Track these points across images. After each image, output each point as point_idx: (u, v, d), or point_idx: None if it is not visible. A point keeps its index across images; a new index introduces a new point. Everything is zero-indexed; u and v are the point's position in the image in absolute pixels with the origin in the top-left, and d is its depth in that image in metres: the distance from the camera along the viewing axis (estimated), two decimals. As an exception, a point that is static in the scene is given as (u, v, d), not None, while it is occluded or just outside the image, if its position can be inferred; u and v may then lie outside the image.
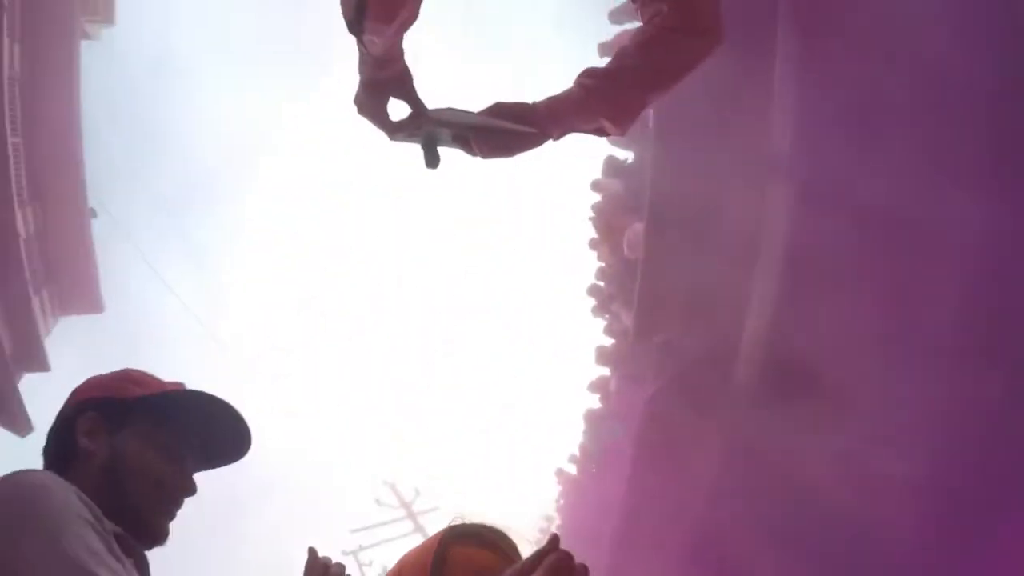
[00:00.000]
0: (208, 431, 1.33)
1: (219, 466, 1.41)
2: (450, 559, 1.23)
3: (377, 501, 17.28)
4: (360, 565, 15.83)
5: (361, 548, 16.26)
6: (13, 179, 10.11)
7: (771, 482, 6.31)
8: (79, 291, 14.78)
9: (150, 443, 1.24)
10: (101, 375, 1.36)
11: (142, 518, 1.20)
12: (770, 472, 6.24)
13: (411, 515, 16.89)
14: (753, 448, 6.29)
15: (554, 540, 0.99)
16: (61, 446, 1.25)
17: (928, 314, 4.52)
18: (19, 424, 7.55)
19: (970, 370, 4.34)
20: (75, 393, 1.34)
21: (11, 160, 9.85)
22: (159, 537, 1.25)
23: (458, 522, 1.32)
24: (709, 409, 6.56)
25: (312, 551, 1.51)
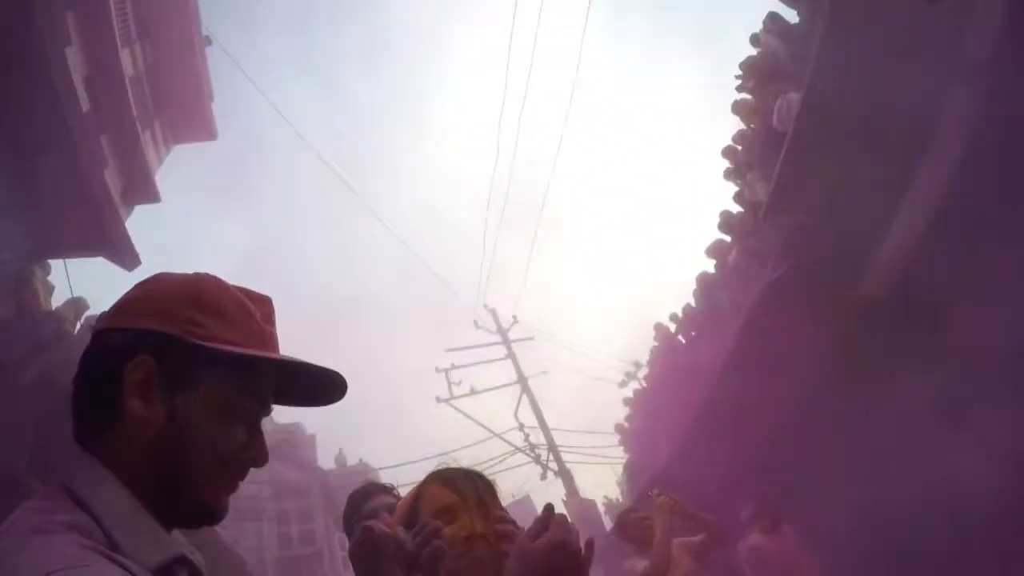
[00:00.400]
0: (296, 389, 1.08)
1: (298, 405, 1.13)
2: (424, 495, 1.57)
3: (475, 323, 17.80)
4: (450, 383, 16.73)
5: (454, 367, 16.95)
6: (115, 18, 10.00)
7: (860, 405, 6.15)
8: (192, 120, 15.03)
9: (222, 409, 0.97)
10: (169, 281, 1.01)
11: (203, 500, 0.96)
12: (862, 395, 6.08)
13: (505, 341, 17.45)
14: (855, 364, 6.09)
15: (549, 508, 1.20)
16: (98, 401, 0.93)
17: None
18: (126, 259, 7.96)
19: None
20: (124, 310, 0.99)
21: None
22: (218, 517, 1.00)
23: (443, 466, 1.63)
24: (826, 309, 6.28)
25: (368, 528, 1.46)
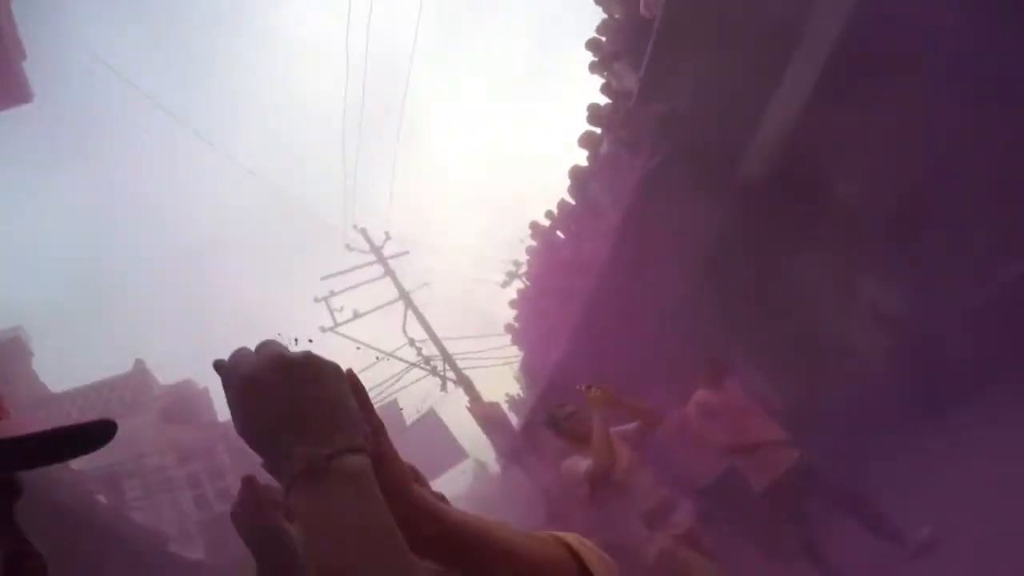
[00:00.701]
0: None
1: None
2: None
3: (347, 246, 17.25)
4: (332, 311, 16.35)
5: (332, 294, 16.56)
6: None
7: (746, 283, 6.43)
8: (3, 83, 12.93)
9: None
10: None
11: None
12: (748, 273, 6.33)
13: (380, 259, 17.09)
14: (736, 245, 6.31)
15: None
16: None
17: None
18: None
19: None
20: None
21: None
22: None
23: None
24: (705, 194, 6.43)
25: (248, 479, 1.36)
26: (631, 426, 4.23)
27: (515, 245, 12.63)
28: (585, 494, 3.97)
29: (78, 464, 9.25)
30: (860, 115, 4.70)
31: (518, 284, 14.01)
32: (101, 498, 11.48)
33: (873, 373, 5.05)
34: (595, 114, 8.22)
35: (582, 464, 3.96)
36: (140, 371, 17.85)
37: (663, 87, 6.74)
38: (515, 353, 14.71)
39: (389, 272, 16.88)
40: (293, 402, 0.76)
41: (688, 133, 6.55)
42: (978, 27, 3.98)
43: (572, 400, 4.39)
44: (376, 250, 17.03)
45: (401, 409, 17.00)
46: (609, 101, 8.02)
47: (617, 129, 7.82)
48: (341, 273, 16.75)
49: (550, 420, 4.48)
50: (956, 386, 4.66)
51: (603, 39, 7.75)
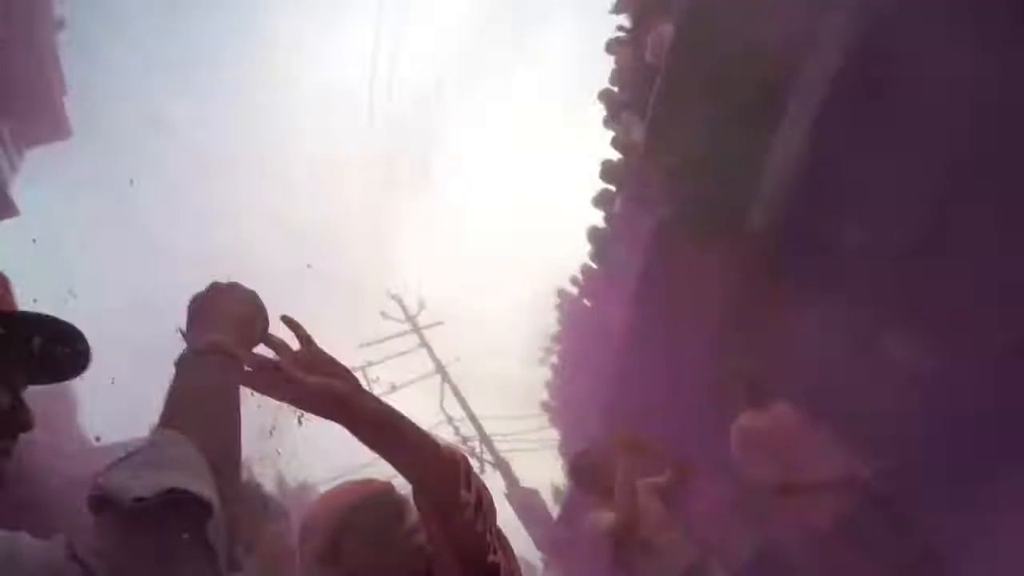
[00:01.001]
0: (45, 351, 1.17)
1: (55, 382, 1.25)
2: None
3: (383, 314, 17.24)
4: (368, 381, 15.93)
5: (369, 364, 16.35)
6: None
7: (767, 334, 5.95)
8: (41, 118, 13.39)
9: None
10: None
11: None
12: (767, 324, 5.89)
13: (416, 329, 17.00)
14: (755, 296, 5.88)
15: None
16: None
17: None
18: None
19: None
20: None
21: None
22: None
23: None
24: (717, 248, 5.99)
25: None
26: (662, 477, 3.87)
27: (549, 311, 12.17)
28: (608, 554, 3.60)
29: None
30: (862, 159, 4.33)
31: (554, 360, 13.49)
32: None
33: (903, 435, 4.44)
34: (607, 170, 7.90)
35: (604, 519, 3.61)
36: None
37: (669, 138, 6.39)
38: (555, 435, 14.05)
39: (425, 344, 16.72)
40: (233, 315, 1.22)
41: (695, 186, 6.17)
42: (979, 61, 3.60)
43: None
44: (411, 319, 17.02)
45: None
46: (619, 156, 7.67)
47: (628, 184, 7.44)
48: (376, 343, 16.65)
49: (572, 468, 4.19)
50: (997, 440, 4.01)
51: (615, 89, 7.45)
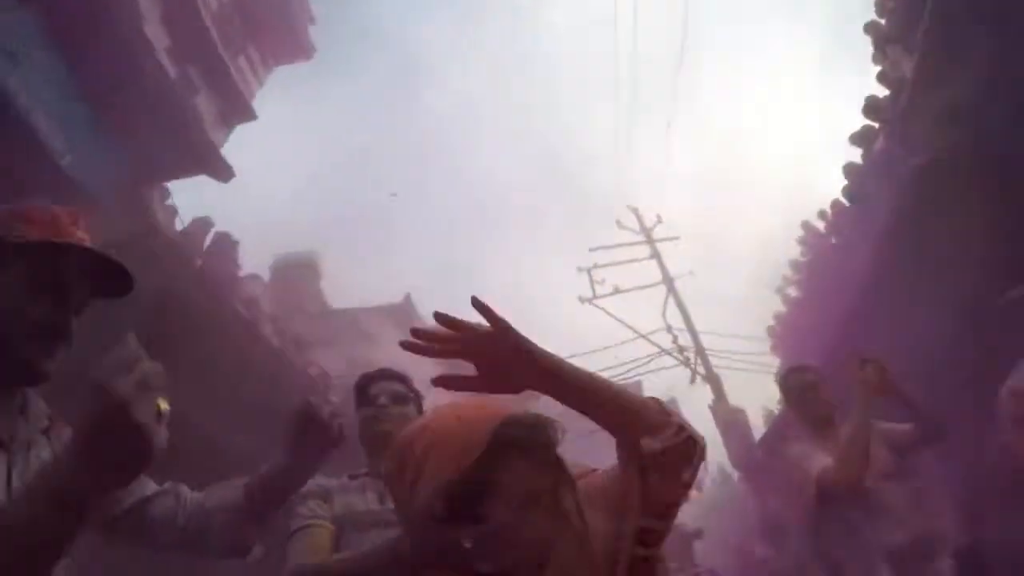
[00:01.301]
0: (91, 276, 1.40)
1: (103, 298, 1.45)
2: (503, 469, 1.17)
3: (618, 223, 17.35)
4: (593, 282, 16.51)
5: (596, 266, 16.69)
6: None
7: None
8: (288, 43, 15.18)
9: (27, 282, 1.31)
10: (4, 207, 1.40)
11: (18, 358, 1.29)
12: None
13: (649, 240, 17.00)
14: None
15: None
16: None
17: None
18: (221, 173, 9.32)
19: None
20: None
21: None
22: (37, 376, 1.33)
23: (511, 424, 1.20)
24: (986, 198, 5.50)
25: (307, 402, 1.67)
26: (905, 427, 3.22)
27: (790, 245, 11.73)
28: (811, 502, 3.04)
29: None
30: None
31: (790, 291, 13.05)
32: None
33: None
34: (871, 106, 7.41)
35: (816, 461, 3.06)
36: (408, 304, 19.18)
37: (943, 73, 5.85)
38: (773, 361, 13.70)
39: (656, 254, 16.80)
40: None
41: (967, 130, 5.65)
42: None
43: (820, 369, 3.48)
44: (646, 231, 17.09)
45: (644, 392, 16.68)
46: (886, 92, 7.13)
47: (892, 122, 6.93)
48: (607, 247, 16.91)
49: (782, 382, 3.58)
50: None
51: (881, 21, 6.89)
